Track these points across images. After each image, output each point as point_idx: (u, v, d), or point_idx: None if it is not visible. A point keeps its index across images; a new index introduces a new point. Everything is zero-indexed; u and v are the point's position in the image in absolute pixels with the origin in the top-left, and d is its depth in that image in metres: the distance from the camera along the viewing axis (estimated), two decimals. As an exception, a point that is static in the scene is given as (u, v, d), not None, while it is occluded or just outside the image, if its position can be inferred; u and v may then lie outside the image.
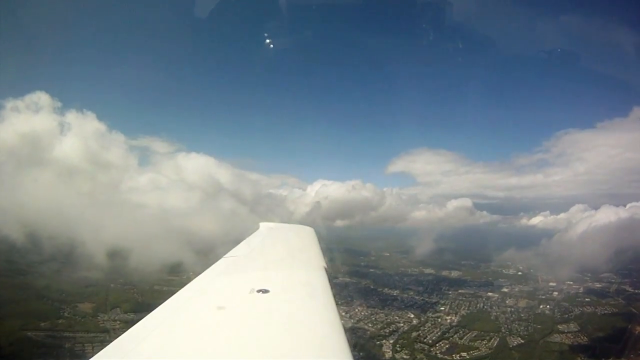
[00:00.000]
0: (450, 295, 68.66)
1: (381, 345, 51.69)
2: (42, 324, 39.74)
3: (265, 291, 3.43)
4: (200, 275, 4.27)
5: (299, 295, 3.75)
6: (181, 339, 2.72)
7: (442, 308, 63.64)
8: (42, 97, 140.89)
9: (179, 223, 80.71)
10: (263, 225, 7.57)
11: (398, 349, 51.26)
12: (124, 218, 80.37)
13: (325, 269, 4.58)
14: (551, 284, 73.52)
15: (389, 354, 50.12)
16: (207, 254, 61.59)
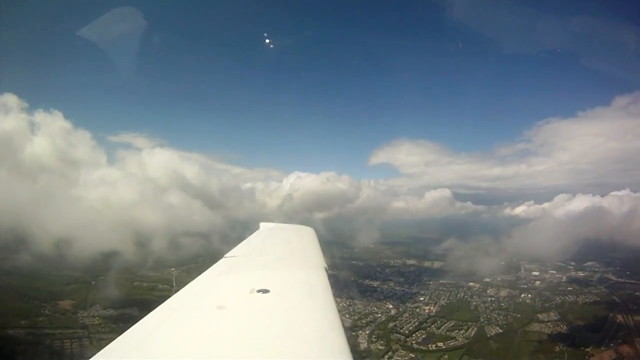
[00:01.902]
0: (431, 286, 66.01)
1: (357, 336, 48.87)
2: (23, 322, 39.27)
3: (265, 291, 3.35)
4: (200, 275, 4.12)
5: (299, 295, 3.61)
6: (182, 339, 2.63)
7: (422, 298, 60.91)
8: (10, 99, 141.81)
9: (126, 217, 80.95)
10: (263, 225, 7.36)
11: (374, 339, 48.55)
12: (73, 212, 78.58)
13: (326, 269, 4.38)
14: (534, 273, 70.91)
15: (364, 345, 47.39)
16: (144, 245, 62.45)
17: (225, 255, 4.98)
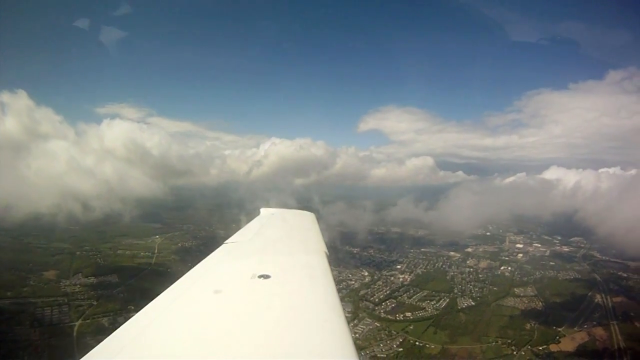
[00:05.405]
0: (411, 254, 62.47)
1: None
2: (9, 293, 39.82)
3: (266, 277, 3.20)
4: (202, 262, 3.87)
5: (300, 281, 3.45)
6: (183, 327, 2.51)
7: (399, 266, 57.55)
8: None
9: (62, 185, 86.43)
10: (264, 210, 6.91)
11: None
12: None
13: (326, 253, 4.11)
14: (518, 245, 66.76)
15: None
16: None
17: (226, 241, 4.56)
